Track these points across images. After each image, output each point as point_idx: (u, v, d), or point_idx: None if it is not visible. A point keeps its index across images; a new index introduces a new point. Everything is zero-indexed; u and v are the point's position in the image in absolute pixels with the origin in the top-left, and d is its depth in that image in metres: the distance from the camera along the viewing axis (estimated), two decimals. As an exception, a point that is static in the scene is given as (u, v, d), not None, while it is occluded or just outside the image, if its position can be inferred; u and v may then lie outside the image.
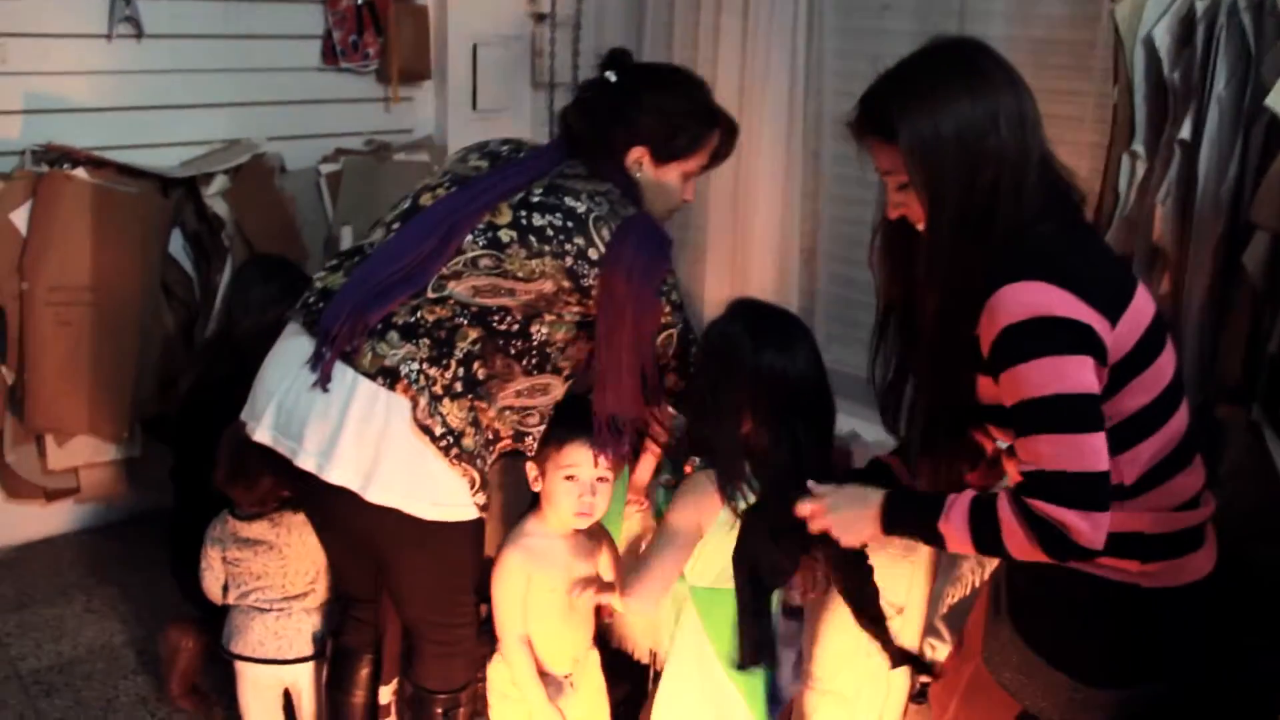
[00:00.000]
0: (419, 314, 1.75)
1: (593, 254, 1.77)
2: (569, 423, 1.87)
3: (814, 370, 1.77)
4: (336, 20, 3.29)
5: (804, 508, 1.61)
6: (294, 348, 1.82)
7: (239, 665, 2.18)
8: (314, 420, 1.73)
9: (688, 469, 1.82)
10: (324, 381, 1.73)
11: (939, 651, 2.03)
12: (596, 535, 2.01)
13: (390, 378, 1.72)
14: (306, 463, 1.74)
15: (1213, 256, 2.02)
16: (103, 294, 2.86)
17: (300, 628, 2.16)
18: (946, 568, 2.04)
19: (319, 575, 2.16)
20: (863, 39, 2.90)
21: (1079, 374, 1.32)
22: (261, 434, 1.79)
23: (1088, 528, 1.29)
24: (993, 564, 2.15)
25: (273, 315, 2.45)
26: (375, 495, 1.72)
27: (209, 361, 2.68)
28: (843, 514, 1.57)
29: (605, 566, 2.02)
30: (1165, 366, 1.42)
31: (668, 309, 1.85)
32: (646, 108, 1.90)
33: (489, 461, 1.82)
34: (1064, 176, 1.48)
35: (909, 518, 1.50)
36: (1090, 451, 1.31)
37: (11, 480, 2.97)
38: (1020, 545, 1.34)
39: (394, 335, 1.74)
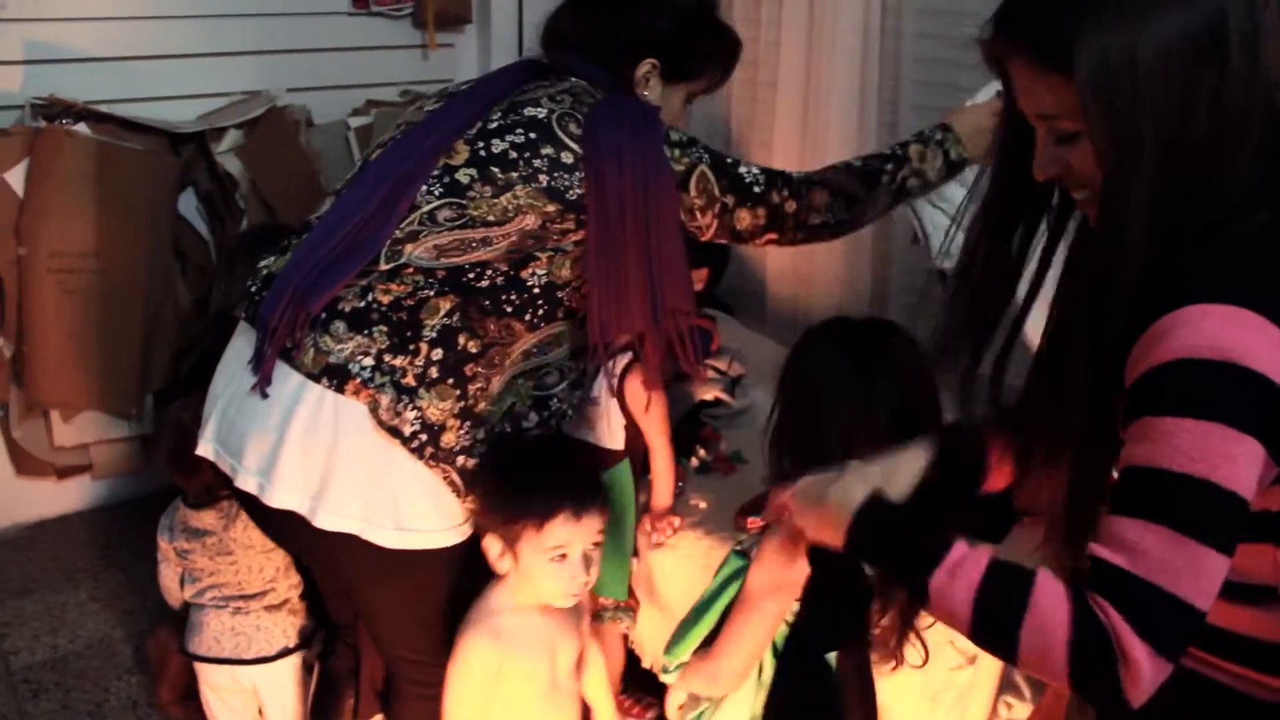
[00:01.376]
0: (370, 296, 1.45)
1: (566, 158, 1.45)
2: (545, 487, 1.48)
3: (922, 387, 1.39)
4: (366, -41, 3.00)
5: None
6: (239, 345, 1.56)
7: (197, 667, 1.98)
8: (255, 432, 1.47)
9: (752, 525, 1.42)
10: (263, 385, 1.46)
11: (1015, 710, 1.69)
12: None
13: (337, 378, 1.43)
14: (247, 483, 1.47)
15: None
16: (108, 260, 2.64)
17: (260, 625, 1.94)
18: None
19: (278, 573, 1.93)
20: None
21: (1246, 468, 0.91)
22: (205, 447, 1.54)
23: (1150, 677, 0.90)
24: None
25: None
26: (326, 520, 1.44)
27: (214, 336, 2.48)
28: (810, 496, 1.16)
29: (590, 647, 1.70)
30: None
31: (677, 154, 1.51)
32: (658, 7, 1.59)
33: None
34: None
35: (889, 544, 1.06)
36: (1210, 577, 0.91)
37: (21, 457, 2.80)
38: (1042, 651, 0.93)
39: (340, 326, 1.45)
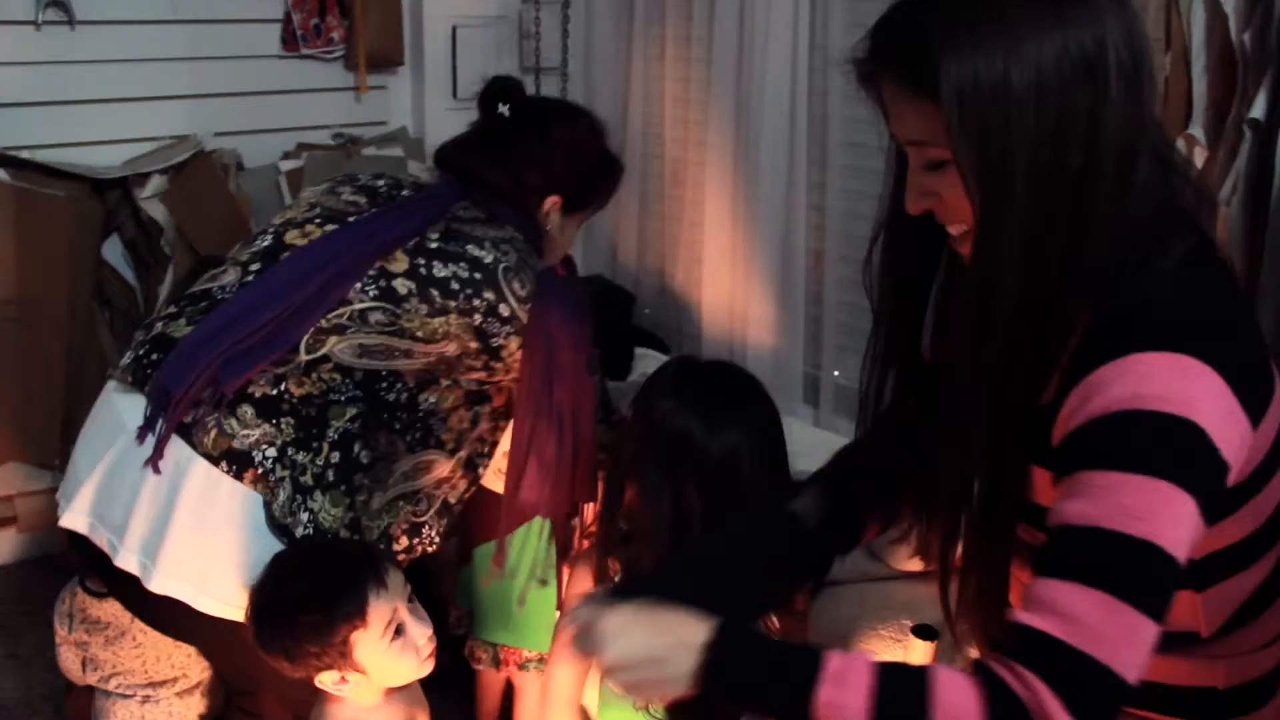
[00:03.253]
0: (284, 386, 1.44)
1: (504, 310, 1.51)
2: (335, 586, 1.34)
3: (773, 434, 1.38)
4: (296, 2, 2.97)
5: (572, 625, 1.03)
6: (121, 408, 1.50)
7: None
8: (140, 508, 1.42)
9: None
10: (156, 460, 1.42)
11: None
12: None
13: (237, 463, 1.40)
14: (128, 562, 1.43)
15: (1292, 267, 1.62)
16: (28, 308, 2.58)
17: (172, 712, 1.85)
18: (948, 650, 1.67)
19: (189, 659, 1.84)
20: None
21: (1188, 530, 0.87)
22: (74, 519, 1.48)
23: None
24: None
25: None
26: (208, 604, 1.41)
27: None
28: (634, 651, 0.98)
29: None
30: (1278, 482, 0.99)
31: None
32: (557, 147, 1.69)
33: None
34: (1179, 162, 1.00)
35: (757, 671, 0.95)
36: (1144, 648, 0.87)
37: (-59, 510, 2.73)
38: None
39: (248, 411, 1.42)
